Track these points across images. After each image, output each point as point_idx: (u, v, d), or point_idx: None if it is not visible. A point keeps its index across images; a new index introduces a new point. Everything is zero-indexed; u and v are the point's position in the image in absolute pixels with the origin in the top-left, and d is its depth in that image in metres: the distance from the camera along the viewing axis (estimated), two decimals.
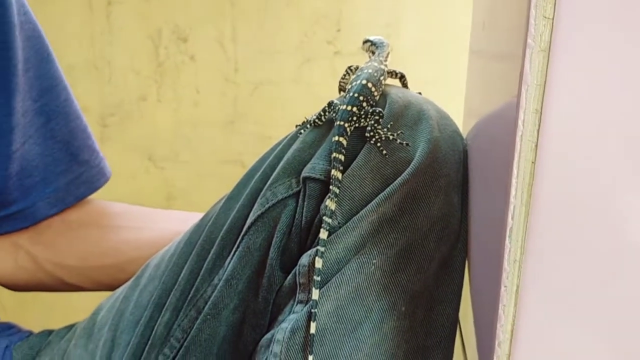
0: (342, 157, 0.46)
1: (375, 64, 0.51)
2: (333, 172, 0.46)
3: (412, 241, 0.45)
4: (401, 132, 0.47)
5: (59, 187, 0.62)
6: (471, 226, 0.46)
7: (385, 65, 0.53)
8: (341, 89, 0.55)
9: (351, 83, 0.50)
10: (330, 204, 0.45)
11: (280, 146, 0.52)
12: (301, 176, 0.48)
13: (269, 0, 1.14)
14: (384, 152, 0.46)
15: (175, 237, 0.58)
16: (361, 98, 0.48)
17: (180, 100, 1.24)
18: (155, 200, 1.31)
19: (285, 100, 1.19)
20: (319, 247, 0.44)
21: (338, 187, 0.45)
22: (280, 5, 1.14)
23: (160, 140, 1.28)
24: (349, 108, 0.48)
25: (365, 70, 0.50)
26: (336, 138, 0.47)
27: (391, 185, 0.45)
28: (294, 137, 0.52)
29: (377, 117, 0.47)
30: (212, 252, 0.51)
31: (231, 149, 1.25)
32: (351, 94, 0.48)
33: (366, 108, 0.48)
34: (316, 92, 1.18)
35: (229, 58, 1.19)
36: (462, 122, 0.60)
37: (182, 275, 0.52)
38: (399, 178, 0.45)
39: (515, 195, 0.32)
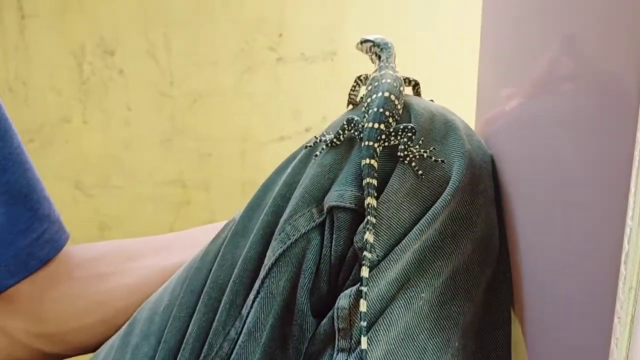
0: (375, 182, 0.41)
1: (391, 72, 0.46)
2: (368, 199, 0.40)
3: (457, 267, 0.41)
4: (433, 149, 0.43)
5: (20, 251, 0.51)
6: (519, 245, 0.42)
7: (398, 72, 0.48)
8: (351, 102, 0.50)
9: (369, 96, 0.45)
10: (369, 236, 0.39)
11: (289, 171, 0.46)
12: (326, 205, 0.42)
13: (203, 6, 1.06)
14: (420, 172, 0.42)
15: (164, 274, 0.50)
16: (387, 113, 0.43)
17: (109, 120, 1.12)
18: (86, 232, 1.18)
19: (227, 112, 1.12)
20: (361, 287, 0.39)
21: (375, 216, 0.40)
22: (216, 11, 1.06)
23: (88, 165, 1.15)
24: (376, 126, 0.42)
25: (383, 81, 0.45)
26: (367, 161, 0.41)
27: (433, 209, 0.40)
28: (304, 160, 0.46)
29: (409, 134, 0.42)
30: (223, 301, 0.44)
31: (170, 169, 1.16)
32: (375, 109, 0.43)
33: (392, 124, 0.43)
34: (260, 102, 1.11)
35: (162, 70, 1.09)
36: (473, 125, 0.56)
37: (189, 331, 0.44)
38: (440, 200, 0.41)
39: (632, 217, 0.28)
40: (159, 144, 1.14)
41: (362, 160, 0.42)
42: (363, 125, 0.43)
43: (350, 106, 0.50)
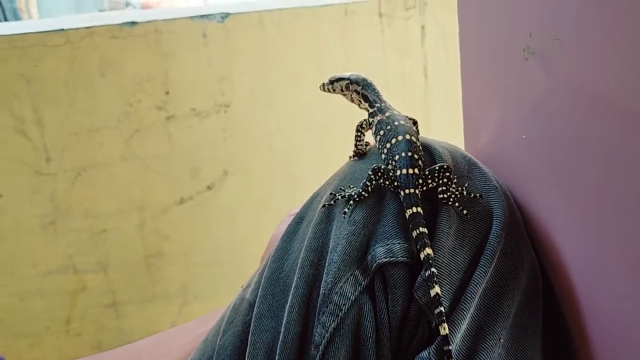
0: (426, 230, 0.38)
1: (396, 112, 0.45)
2: (426, 250, 0.37)
3: (520, 303, 0.39)
4: (467, 185, 0.41)
5: None
6: (568, 267, 0.41)
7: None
8: (359, 152, 0.46)
9: (386, 142, 0.42)
10: (437, 289, 0.36)
11: (310, 235, 0.41)
12: (373, 264, 0.38)
13: (75, 73, 0.97)
14: (465, 212, 0.40)
15: None
16: (415, 157, 0.41)
17: None
18: None
19: (117, 182, 1.02)
20: (448, 347, 0.35)
21: (436, 267, 0.37)
22: (90, 76, 0.97)
23: None
24: (411, 171, 0.40)
25: (396, 124, 0.43)
26: (413, 210, 0.39)
27: (489, 247, 0.39)
28: (324, 220, 0.41)
29: (447, 174, 0.40)
30: None
31: (58, 255, 1.02)
32: (403, 154, 0.41)
33: (421, 167, 0.41)
34: (153, 166, 1.03)
35: (36, 147, 0.97)
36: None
37: None
38: (492, 237, 0.39)
39: None
40: (40, 229, 1.01)
41: (408, 210, 0.39)
42: (394, 173, 0.40)
43: (356, 157, 0.47)
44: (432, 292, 0.36)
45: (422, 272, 0.37)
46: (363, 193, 0.41)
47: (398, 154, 0.41)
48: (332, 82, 0.48)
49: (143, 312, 1.08)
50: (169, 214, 1.05)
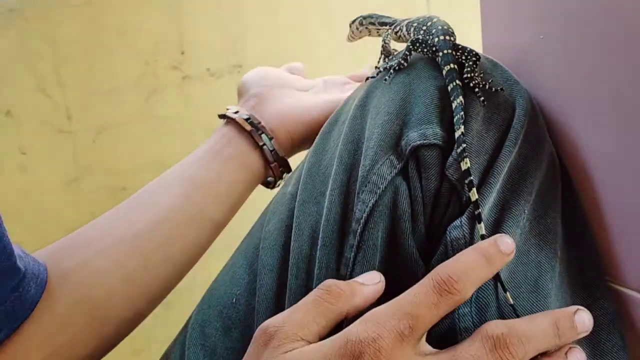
0: (461, 84, 0.42)
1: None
2: (458, 122, 0.40)
3: (542, 182, 0.43)
4: (491, 81, 0.44)
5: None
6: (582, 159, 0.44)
7: None
8: (386, 51, 0.50)
9: (422, 25, 0.46)
10: (468, 162, 0.40)
11: (346, 129, 0.45)
12: (408, 148, 0.41)
13: (94, 33, 1.00)
14: (482, 98, 0.43)
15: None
16: (451, 30, 0.45)
17: (1, 168, 1.01)
18: None
19: (135, 141, 1.06)
20: (478, 211, 0.39)
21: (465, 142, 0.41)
22: (109, 37, 1.01)
23: None
24: (448, 38, 0.44)
25: (426, 15, 0.47)
26: (451, 66, 0.42)
27: (512, 131, 0.42)
28: (358, 116, 0.45)
29: (474, 59, 0.43)
30: (317, 268, 0.42)
31: (80, 211, 1.06)
32: (439, 27, 0.45)
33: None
34: (169, 125, 1.07)
35: (57, 105, 1.01)
36: None
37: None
38: (515, 122, 0.42)
39: None
40: (63, 186, 1.05)
41: (445, 67, 0.42)
42: (433, 40, 0.44)
43: (383, 58, 0.50)
44: (464, 166, 0.39)
45: (455, 149, 0.40)
46: (402, 62, 0.44)
47: (435, 28, 0.45)
48: (351, 29, 0.53)
49: None
50: None
